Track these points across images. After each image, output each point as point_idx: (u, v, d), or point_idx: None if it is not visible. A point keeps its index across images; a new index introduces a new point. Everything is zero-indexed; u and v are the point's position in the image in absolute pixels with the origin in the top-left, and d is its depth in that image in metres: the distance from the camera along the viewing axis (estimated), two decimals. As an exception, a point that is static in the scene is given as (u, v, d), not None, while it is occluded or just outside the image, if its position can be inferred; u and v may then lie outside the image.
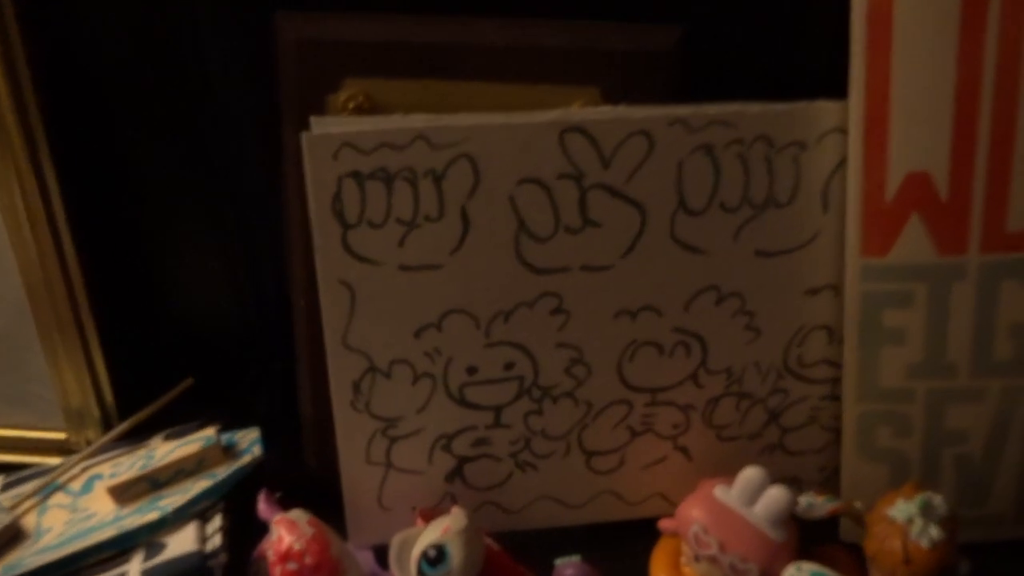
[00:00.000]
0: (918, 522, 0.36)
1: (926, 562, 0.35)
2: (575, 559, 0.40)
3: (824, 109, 0.39)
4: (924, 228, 0.39)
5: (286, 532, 0.38)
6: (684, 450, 0.44)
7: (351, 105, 0.41)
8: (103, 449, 0.49)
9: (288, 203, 0.44)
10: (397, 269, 0.39)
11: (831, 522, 0.41)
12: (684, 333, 0.42)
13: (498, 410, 0.42)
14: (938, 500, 0.36)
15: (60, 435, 0.52)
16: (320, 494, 0.43)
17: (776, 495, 0.38)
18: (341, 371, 0.41)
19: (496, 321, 0.41)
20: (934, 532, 0.36)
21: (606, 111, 0.39)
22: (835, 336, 0.42)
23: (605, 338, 0.41)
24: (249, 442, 0.48)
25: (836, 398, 0.43)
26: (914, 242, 0.39)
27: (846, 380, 0.42)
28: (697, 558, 0.39)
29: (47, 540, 0.44)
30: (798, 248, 0.41)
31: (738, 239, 0.40)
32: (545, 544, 0.42)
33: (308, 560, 0.37)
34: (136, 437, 0.50)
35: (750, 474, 0.39)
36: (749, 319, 0.42)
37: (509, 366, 0.42)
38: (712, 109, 0.38)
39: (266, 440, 0.48)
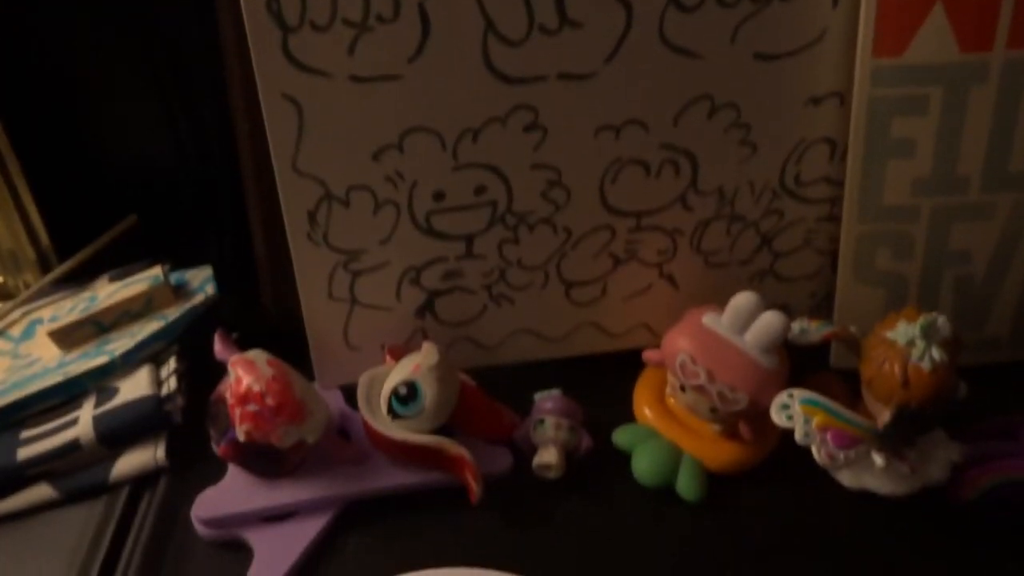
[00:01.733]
0: (920, 344, 0.34)
1: (925, 385, 0.34)
2: (555, 393, 0.39)
3: None
4: (947, 20, 0.34)
5: (244, 373, 0.35)
6: (670, 278, 0.42)
7: None
8: (43, 293, 0.46)
9: (221, 11, 0.38)
10: (348, 80, 0.34)
11: (821, 350, 0.40)
12: (673, 150, 0.38)
13: (469, 239, 0.39)
14: (942, 321, 0.34)
15: (-6, 280, 0.49)
16: (281, 336, 0.40)
17: (770, 320, 0.36)
18: (294, 200, 0.37)
19: (464, 140, 0.36)
20: (936, 354, 0.33)
21: None
22: (837, 150, 0.39)
23: (586, 157, 0.37)
24: (201, 281, 0.44)
25: (834, 219, 0.40)
26: (934, 38, 0.35)
27: (847, 198, 0.39)
28: (683, 388, 0.37)
29: (-11, 389, 0.41)
30: (802, 49, 0.36)
31: (735, 40, 0.36)
32: (523, 379, 0.40)
33: (269, 401, 0.35)
34: (79, 280, 0.46)
35: (743, 300, 0.36)
36: (745, 133, 0.38)
37: (480, 190, 0.38)
38: None
39: (220, 281, 0.44)
